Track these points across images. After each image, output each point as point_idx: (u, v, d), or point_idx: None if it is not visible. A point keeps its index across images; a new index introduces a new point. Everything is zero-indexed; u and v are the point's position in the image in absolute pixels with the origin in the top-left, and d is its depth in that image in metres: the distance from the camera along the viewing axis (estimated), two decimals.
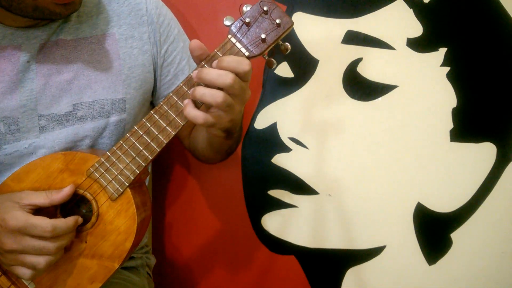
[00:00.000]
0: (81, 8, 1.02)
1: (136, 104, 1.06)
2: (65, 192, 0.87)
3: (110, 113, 1.02)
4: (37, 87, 0.97)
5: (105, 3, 1.05)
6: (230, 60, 0.81)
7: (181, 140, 1.21)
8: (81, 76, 1.00)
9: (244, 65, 0.81)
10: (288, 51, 0.88)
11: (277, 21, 0.83)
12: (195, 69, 0.85)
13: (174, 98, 0.86)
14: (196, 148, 1.15)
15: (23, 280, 0.91)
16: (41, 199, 0.85)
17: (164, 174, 1.38)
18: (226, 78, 0.79)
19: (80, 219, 0.88)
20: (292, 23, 0.85)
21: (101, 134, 1.02)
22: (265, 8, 0.83)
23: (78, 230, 0.90)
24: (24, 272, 0.84)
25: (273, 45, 0.86)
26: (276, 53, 1.22)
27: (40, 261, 0.83)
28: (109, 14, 1.04)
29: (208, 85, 0.81)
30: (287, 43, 0.88)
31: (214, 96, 0.80)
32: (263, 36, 0.83)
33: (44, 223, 0.82)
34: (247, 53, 0.84)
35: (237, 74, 0.80)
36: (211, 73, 0.80)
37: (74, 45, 1.00)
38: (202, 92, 0.81)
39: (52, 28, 0.98)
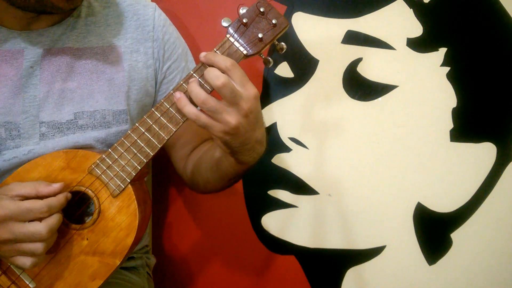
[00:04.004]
0: (90, 17, 1.03)
1: (137, 116, 1.06)
2: (54, 187, 0.86)
3: (111, 123, 1.02)
4: (40, 94, 0.97)
5: (114, 15, 1.06)
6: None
7: (175, 162, 1.18)
8: (84, 85, 1.00)
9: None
10: (284, 50, 0.90)
11: (273, 21, 0.86)
12: (196, 67, 0.86)
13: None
14: (198, 168, 1.10)
15: (23, 278, 0.90)
16: (28, 189, 0.84)
17: (164, 174, 1.38)
18: (218, 79, 0.81)
19: (69, 195, 0.88)
20: (288, 23, 0.87)
21: (101, 144, 1.02)
22: (261, 9, 0.85)
23: (80, 228, 0.90)
24: (25, 261, 0.84)
25: (269, 44, 0.87)
26: (275, 53, 1.22)
27: (38, 246, 0.83)
28: (117, 27, 1.05)
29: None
30: (282, 43, 0.90)
31: (197, 94, 0.83)
32: (260, 35, 0.85)
33: (38, 204, 0.82)
34: (244, 52, 0.86)
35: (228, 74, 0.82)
36: (209, 72, 0.82)
37: (79, 54, 1.00)
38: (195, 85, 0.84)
39: (56, 34, 0.98)
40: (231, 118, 0.82)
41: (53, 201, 0.84)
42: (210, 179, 1.06)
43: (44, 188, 0.85)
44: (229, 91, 0.81)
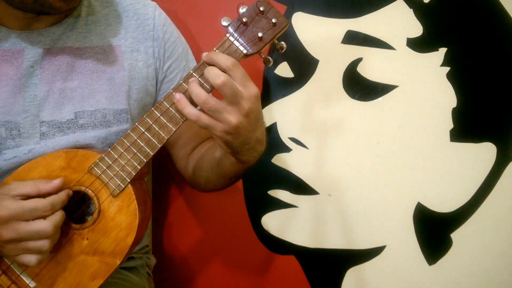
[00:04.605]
0: (90, 17, 1.03)
1: (137, 115, 1.06)
2: (54, 184, 0.86)
3: (112, 123, 1.02)
4: (40, 93, 0.97)
5: (115, 15, 1.06)
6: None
7: (177, 161, 1.18)
8: (85, 84, 1.00)
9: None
10: (284, 49, 0.90)
11: (273, 20, 0.86)
12: (196, 66, 0.86)
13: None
14: (199, 168, 1.10)
15: (23, 278, 0.90)
16: (29, 188, 0.84)
17: (165, 174, 1.38)
18: (219, 77, 0.81)
19: (70, 192, 0.88)
20: (288, 23, 0.87)
21: (102, 143, 1.02)
22: (261, 8, 0.85)
23: (80, 228, 0.90)
24: (30, 259, 0.84)
25: (269, 44, 0.87)
26: (275, 53, 1.22)
27: (44, 243, 0.83)
28: (117, 26, 1.05)
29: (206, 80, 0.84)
30: (282, 42, 0.90)
31: (197, 94, 0.82)
32: (260, 34, 0.85)
33: (42, 203, 0.82)
34: (244, 51, 0.86)
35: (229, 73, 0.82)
36: (209, 71, 0.82)
37: (80, 53, 1.00)
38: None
39: (56, 33, 0.98)
40: (232, 117, 0.82)
41: (55, 198, 0.84)
42: (211, 178, 1.06)
43: (45, 186, 0.85)
44: (230, 90, 0.80)
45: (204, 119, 0.83)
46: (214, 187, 1.09)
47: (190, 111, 0.84)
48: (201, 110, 0.84)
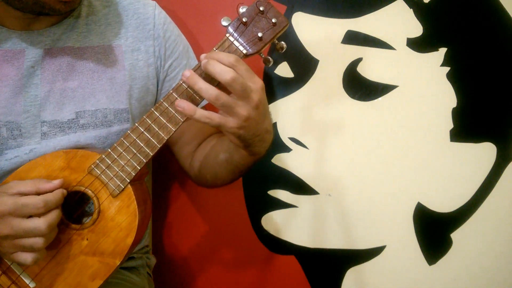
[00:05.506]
0: (90, 17, 1.03)
1: (138, 115, 1.07)
2: (54, 184, 0.86)
3: (113, 122, 1.02)
4: (41, 93, 0.97)
5: (115, 14, 1.06)
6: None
7: (180, 159, 1.17)
8: (85, 84, 1.00)
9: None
10: (284, 49, 0.90)
11: (273, 20, 0.86)
12: (196, 65, 0.86)
13: (174, 95, 0.87)
14: (206, 164, 1.10)
15: (23, 278, 0.90)
16: (28, 186, 0.85)
17: (165, 174, 1.38)
18: (227, 73, 0.80)
19: (65, 191, 0.87)
20: (288, 22, 0.87)
21: (103, 143, 1.02)
22: (261, 8, 0.86)
23: (79, 228, 0.90)
24: (26, 257, 0.84)
25: (269, 43, 0.88)
26: (275, 53, 1.22)
27: (37, 240, 0.83)
28: (118, 26, 1.05)
29: (211, 77, 0.83)
30: (282, 42, 0.90)
31: (207, 90, 0.81)
32: (259, 34, 0.86)
33: (34, 199, 0.82)
34: (244, 51, 0.86)
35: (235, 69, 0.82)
36: (216, 66, 0.81)
37: (80, 53, 1.01)
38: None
39: (56, 33, 0.99)
40: (243, 111, 0.83)
41: (49, 196, 0.84)
42: (219, 174, 1.07)
43: (44, 185, 0.86)
44: (240, 85, 0.80)
45: (216, 118, 0.83)
46: (222, 182, 1.09)
47: (202, 113, 0.83)
48: (206, 107, 0.84)
